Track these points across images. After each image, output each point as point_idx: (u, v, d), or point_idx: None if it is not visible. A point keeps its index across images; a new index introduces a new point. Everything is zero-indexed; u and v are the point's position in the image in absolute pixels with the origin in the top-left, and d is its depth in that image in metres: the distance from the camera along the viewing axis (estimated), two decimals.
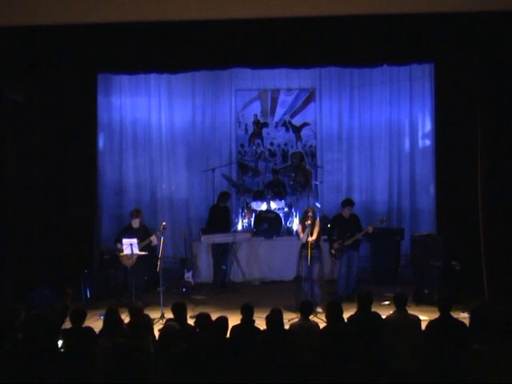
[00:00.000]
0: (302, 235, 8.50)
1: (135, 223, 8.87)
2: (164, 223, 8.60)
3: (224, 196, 10.18)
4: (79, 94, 9.28)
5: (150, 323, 6.22)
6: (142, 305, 6.69)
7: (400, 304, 6.30)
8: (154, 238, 8.68)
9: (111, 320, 5.89)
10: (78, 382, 5.50)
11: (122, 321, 6.08)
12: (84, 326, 6.11)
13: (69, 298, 6.56)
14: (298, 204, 10.96)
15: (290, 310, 8.09)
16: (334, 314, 6.09)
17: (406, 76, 11.32)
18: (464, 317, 7.25)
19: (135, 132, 11.73)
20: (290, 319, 7.34)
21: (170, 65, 8.95)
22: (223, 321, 5.88)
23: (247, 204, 10.93)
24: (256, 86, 11.83)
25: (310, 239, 8.32)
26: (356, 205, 9.72)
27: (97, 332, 6.16)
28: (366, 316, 6.25)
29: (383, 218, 9.43)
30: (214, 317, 6.06)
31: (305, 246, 8.39)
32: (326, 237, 9.17)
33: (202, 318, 5.99)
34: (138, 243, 8.49)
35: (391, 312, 6.40)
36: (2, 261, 8.42)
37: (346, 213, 9.12)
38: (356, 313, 6.37)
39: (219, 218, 10.09)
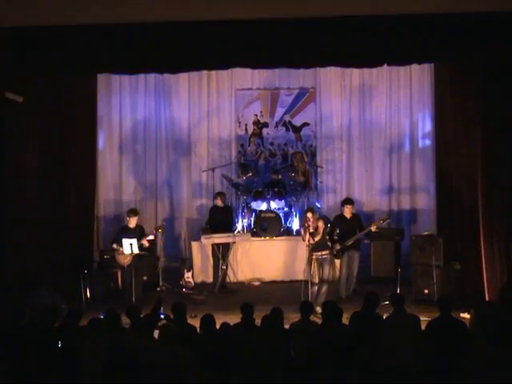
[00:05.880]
0: (305, 240, 8.47)
1: (131, 223, 8.88)
2: (164, 223, 8.61)
3: (217, 196, 10.13)
4: (79, 94, 9.29)
5: (154, 322, 6.21)
6: (139, 305, 6.70)
7: (398, 304, 6.29)
8: (147, 239, 8.69)
9: (111, 319, 5.90)
10: (76, 381, 5.49)
11: (120, 320, 6.08)
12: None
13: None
14: (298, 204, 10.95)
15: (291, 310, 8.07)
16: (330, 314, 6.09)
17: (406, 76, 11.32)
18: (464, 317, 7.24)
19: (135, 132, 11.73)
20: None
21: (170, 65, 8.93)
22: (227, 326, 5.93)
23: (247, 204, 10.91)
24: (256, 86, 11.83)
25: (311, 241, 8.30)
26: (356, 205, 9.71)
27: None
28: (369, 315, 6.25)
29: (385, 217, 9.42)
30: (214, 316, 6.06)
31: (311, 249, 8.37)
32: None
33: (207, 320, 5.99)
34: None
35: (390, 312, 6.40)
36: (1, 261, 8.42)
37: (347, 212, 9.12)
38: (360, 311, 6.36)
39: (219, 219, 10.07)
